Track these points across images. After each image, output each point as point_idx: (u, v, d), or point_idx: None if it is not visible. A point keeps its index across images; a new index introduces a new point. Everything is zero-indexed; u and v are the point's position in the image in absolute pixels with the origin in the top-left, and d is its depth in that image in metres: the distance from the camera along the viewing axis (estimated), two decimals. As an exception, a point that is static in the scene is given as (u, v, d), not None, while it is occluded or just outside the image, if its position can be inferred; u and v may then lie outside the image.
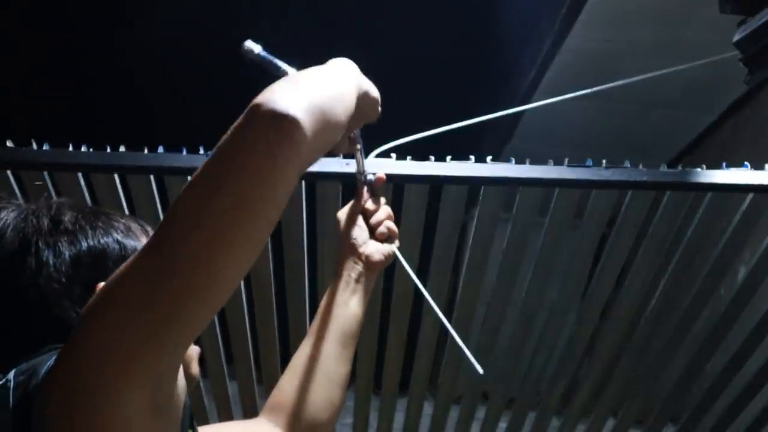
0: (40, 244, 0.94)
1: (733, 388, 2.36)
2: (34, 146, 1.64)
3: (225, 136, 0.76)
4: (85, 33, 3.26)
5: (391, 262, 1.29)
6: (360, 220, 1.27)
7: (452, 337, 1.24)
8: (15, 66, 3.34)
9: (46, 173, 1.71)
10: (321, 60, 0.98)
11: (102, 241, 0.97)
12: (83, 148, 1.65)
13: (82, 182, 1.75)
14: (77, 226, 0.97)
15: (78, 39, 3.25)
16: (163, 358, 0.78)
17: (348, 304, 1.23)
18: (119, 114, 3.27)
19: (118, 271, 0.78)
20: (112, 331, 0.76)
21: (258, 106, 0.76)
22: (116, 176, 1.73)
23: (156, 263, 0.75)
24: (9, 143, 1.64)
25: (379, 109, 1.10)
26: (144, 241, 1.01)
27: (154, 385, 0.80)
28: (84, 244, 0.96)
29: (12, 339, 0.93)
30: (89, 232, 0.97)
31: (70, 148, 1.65)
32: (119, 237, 0.99)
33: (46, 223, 0.96)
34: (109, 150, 1.65)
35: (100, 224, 0.98)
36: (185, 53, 3.17)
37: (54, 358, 0.81)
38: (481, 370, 1.00)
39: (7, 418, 0.80)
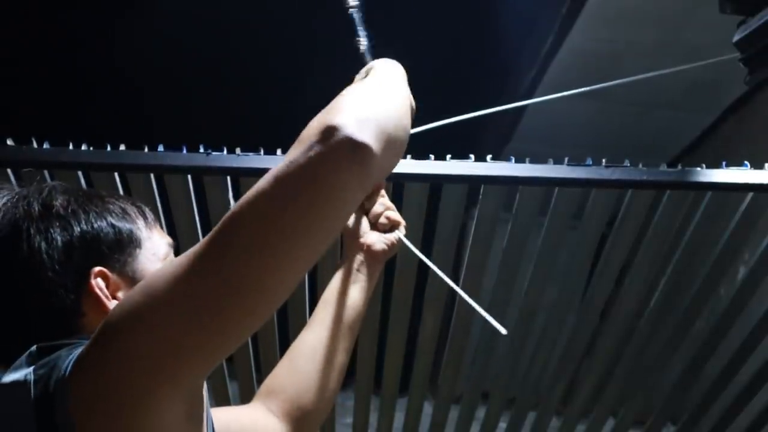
0: (31, 230, 0.92)
1: (733, 389, 2.36)
2: (35, 145, 1.64)
3: (296, 156, 0.75)
4: (86, 31, 3.26)
5: (396, 251, 1.29)
6: (360, 213, 1.29)
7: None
8: (15, 65, 3.34)
9: (46, 172, 1.71)
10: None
11: (96, 225, 0.95)
12: (83, 147, 1.65)
13: (83, 181, 1.75)
14: (69, 211, 0.95)
15: (78, 37, 3.25)
16: (208, 367, 0.79)
17: (348, 294, 1.24)
18: (119, 113, 3.27)
19: (163, 272, 0.77)
20: (161, 335, 0.75)
21: (336, 130, 0.75)
22: (116, 175, 1.73)
23: (211, 274, 0.74)
24: (9, 142, 1.65)
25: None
26: (141, 224, 1.00)
27: (193, 393, 0.81)
28: (77, 229, 0.94)
29: (10, 330, 0.92)
30: (82, 216, 0.95)
31: (70, 147, 1.65)
32: (114, 220, 0.97)
33: (37, 209, 0.94)
34: (109, 148, 1.65)
35: (94, 208, 0.97)
36: (186, 52, 3.17)
37: (76, 352, 0.80)
38: (504, 331, 0.99)
39: (29, 412, 0.79)
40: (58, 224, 0.93)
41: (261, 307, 0.77)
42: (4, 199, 0.95)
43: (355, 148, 0.75)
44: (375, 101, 0.85)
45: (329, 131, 0.75)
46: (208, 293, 0.74)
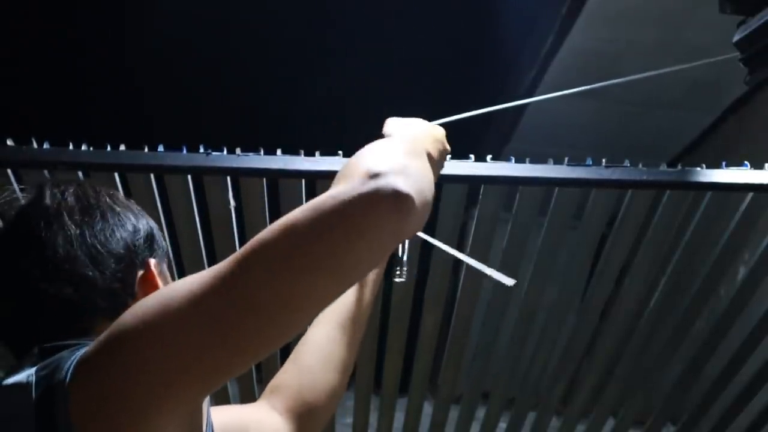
0: (67, 221, 0.93)
1: (733, 389, 2.36)
2: (34, 145, 1.64)
3: (339, 192, 0.75)
4: (86, 31, 3.26)
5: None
6: None
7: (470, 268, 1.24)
8: (15, 65, 3.34)
9: (46, 172, 1.71)
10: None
11: (142, 220, 0.99)
12: (83, 147, 1.65)
13: (82, 181, 1.75)
14: (117, 207, 0.98)
15: (78, 37, 3.25)
16: (215, 386, 0.78)
17: (354, 292, 1.24)
18: (119, 113, 3.27)
19: (181, 286, 0.76)
20: (172, 352, 0.74)
21: (383, 176, 0.75)
22: (116, 175, 1.73)
23: (234, 294, 0.73)
24: (9, 142, 1.64)
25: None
26: None
27: (196, 407, 0.80)
28: (131, 222, 0.97)
29: (50, 318, 0.92)
30: (130, 212, 0.98)
31: (70, 147, 1.64)
32: (148, 221, 1.01)
33: (72, 201, 0.95)
34: (108, 149, 1.65)
35: (133, 208, 1.00)
36: (185, 52, 3.17)
37: (78, 353, 0.79)
38: (510, 282, 0.99)
39: (30, 414, 0.78)
40: (96, 217, 0.95)
41: (274, 334, 0.76)
42: (28, 194, 0.97)
43: (399, 196, 0.75)
44: (416, 161, 0.86)
45: (376, 176, 0.75)
46: (225, 314, 0.73)
